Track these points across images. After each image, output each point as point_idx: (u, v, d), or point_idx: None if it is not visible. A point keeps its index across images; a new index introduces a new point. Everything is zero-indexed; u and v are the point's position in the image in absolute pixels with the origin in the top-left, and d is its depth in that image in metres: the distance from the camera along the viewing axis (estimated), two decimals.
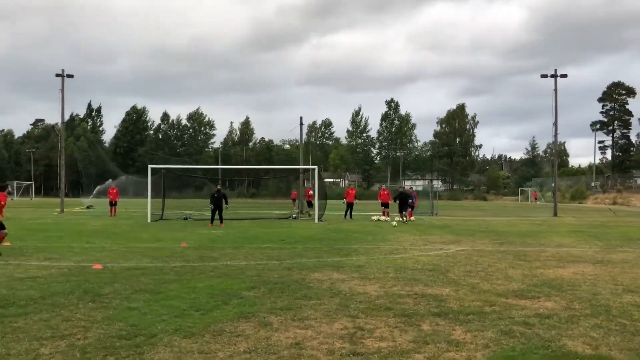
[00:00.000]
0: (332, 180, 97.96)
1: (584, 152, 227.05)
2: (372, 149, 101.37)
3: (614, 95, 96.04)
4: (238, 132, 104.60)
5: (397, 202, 24.69)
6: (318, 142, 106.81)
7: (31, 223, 23.30)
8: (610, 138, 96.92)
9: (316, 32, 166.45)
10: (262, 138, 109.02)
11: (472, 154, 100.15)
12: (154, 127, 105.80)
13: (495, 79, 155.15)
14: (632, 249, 14.02)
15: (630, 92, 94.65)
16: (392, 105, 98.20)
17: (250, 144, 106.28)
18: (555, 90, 32.74)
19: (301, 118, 34.79)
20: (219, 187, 23.76)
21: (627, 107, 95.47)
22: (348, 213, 27.29)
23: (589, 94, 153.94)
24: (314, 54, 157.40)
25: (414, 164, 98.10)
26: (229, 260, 11.49)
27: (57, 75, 33.72)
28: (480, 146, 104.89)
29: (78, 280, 8.91)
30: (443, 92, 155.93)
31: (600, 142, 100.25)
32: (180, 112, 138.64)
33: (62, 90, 33.65)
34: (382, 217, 25.95)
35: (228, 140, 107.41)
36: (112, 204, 29.99)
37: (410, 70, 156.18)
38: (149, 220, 24.46)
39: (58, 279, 9.04)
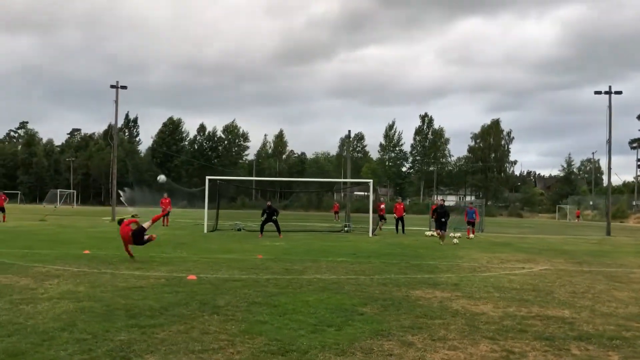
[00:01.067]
0: (363, 193, 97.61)
1: (619, 170, 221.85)
2: (404, 162, 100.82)
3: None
4: (272, 144, 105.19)
5: (434, 217, 23.21)
6: (352, 156, 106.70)
7: (93, 231, 23.68)
8: None
9: (345, 46, 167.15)
10: (292, 150, 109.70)
11: (507, 170, 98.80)
12: (188, 139, 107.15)
13: (525, 95, 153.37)
14: None
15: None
16: (426, 119, 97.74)
17: (284, 156, 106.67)
18: (610, 107, 32.19)
19: (349, 132, 34.81)
20: (269, 202, 23.92)
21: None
22: (400, 228, 27.08)
23: (623, 111, 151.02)
24: (342, 67, 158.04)
25: (447, 179, 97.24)
26: (316, 273, 11.43)
27: (112, 86, 34.45)
28: (515, 162, 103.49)
29: (185, 291, 8.94)
30: (472, 107, 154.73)
31: (638, 159, 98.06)
32: (214, 123, 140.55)
33: (117, 101, 34.36)
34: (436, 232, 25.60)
35: (261, 152, 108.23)
36: (165, 214, 30.21)
37: (439, 84, 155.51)
38: (205, 231, 24.64)
39: (164, 289, 9.09)
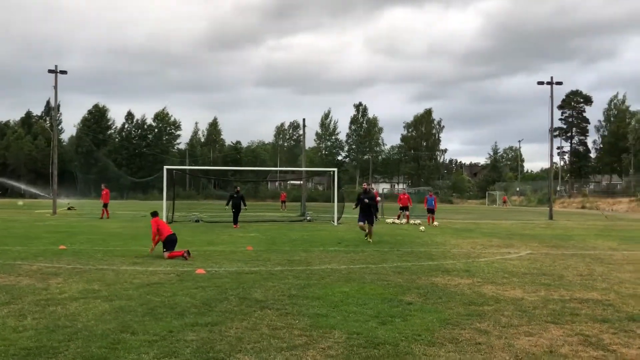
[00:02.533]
0: (299, 182, 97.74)
1: (541, 157, 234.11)
2: (340, 151, 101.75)
3: (572, 103, 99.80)
4: (205, 133, 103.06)
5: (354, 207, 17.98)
6: (286, 145, 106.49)
7: (47, 225, 22.32)
8: (568, 144, 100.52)
9: (274, 33, 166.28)
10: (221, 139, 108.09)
11: (438, 158, 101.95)
12: (114, 127, 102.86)
13: (448, 85, 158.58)
14: None
15: (587, 100, 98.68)
16: (361, 108, 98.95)
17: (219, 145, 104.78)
18: (552, 97, 33.83)
19: (304, 120, 34.52)
20: (238, 188, 23.43)
21: (584, 114, 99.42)
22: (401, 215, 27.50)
23: (538, 102, 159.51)
24: (271, 54, 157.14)
25: (381, 168, 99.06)
26: (323, 264, 11.30)
27: (50, 71, 32.29)
28: (445, 150, 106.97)
29: (209, 285, 8.59)
30: (398, 96, 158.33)
31: (558, 147, 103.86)
32: (143, 111, 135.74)
33: (56, 87, 32.25)
34: (397, 221, 26.10)
35: (193, 141, 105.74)
36: (105, 205, 28.85)
37: (367, 74, 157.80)
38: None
39: (185, 284, 8.69)
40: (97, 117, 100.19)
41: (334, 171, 27.27)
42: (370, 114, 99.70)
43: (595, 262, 12.27)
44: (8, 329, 5.91)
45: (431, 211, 25.71)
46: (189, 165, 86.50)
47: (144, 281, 9.02)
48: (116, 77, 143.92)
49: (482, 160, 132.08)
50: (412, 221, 26.63)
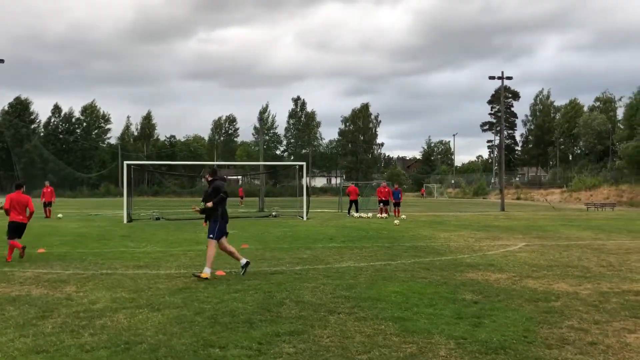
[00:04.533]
0: (238, 177, 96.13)
1: (471, 150, 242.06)
2: (278, 145, 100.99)
3: (501, 98, 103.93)
4: (138, 127, 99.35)
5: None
6: (222, 138, 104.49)
7: None
8: (497, 137, 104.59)
9: (205, 25, 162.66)
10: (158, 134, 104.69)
11: (375, 151, 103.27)
12: (38, 120, 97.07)
13: (379, 80, 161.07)
14: None
15: (515, 95, 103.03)
16: (299, 102, 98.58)
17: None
18: (502, 91, 34.77)
19: (260, 112, 33.63)
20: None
21: (512, 109, 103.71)
22: (352, 209, 27.25)
23: (465, 97, 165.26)
24: (201, 47, 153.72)
25: (320, 162, 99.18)
26: (338, 262, 10.87)
27: None
28: (382, 144, 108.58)
29: (247, 288, 7.96)
30: (330, 91, 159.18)
31: (489, 141, 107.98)
32: (70, 104, 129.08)
33: None
34: (379, 215, 25.95)
35: (125, 135, 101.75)
36: (47, 204, 26.82)
37: (299, 68, 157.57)
38: (125, 221, 22.49)
39: (221, 288, 8.01)
40: (19, 111, 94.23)
41: (301, 165, 26.69)
42: (308, 108, 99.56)
43: (597, 252, 12.51)
44: (74, 349, 5.11)
45: (397, 204, 25.71)
46: (122, 160, 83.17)
47: (170, 286, 8.27)
48: (37, 70, 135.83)
49: (411, 154, 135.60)
50: (364, 214, 26.50)
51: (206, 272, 8.85)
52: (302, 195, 25.11)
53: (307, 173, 25.67)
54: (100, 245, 13.98)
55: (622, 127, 71.56)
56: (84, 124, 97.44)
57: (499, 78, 35.49)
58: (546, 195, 59.85)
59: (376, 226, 20.44)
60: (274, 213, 26.79)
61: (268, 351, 5.09)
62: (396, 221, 21.81)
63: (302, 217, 24.35)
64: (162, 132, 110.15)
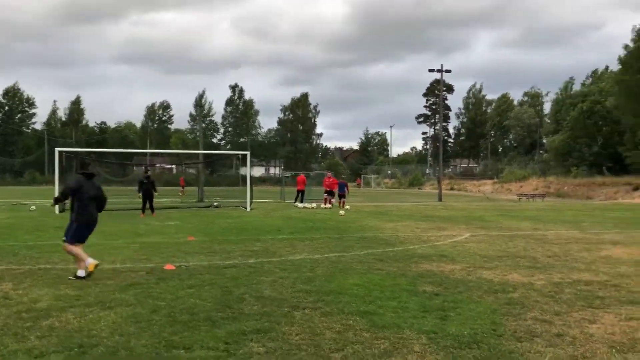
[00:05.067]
0: (172, 166, 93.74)
1: (406, 142, 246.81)
2: (215, 133, 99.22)
3: (436, 91, 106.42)
4: (67, 112, 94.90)
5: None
6: (156, 126, 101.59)
7: None
8: (432, 129, 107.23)
9: (137, 8, 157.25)
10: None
11: (314, 142, 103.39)
12: None
13: (316, 70, 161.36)
14: (607, 230, 16.01)
15: (449, 88, 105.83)
16: (237, 90, 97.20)
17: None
18: (441, 84, 35.46)
19: (197, 99, 32.68)
20: (149, 172, 21.60)
21: (446, 102, 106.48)
22: (298, 199, 27.25)
23: (399, 89, 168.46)
24: (133, 30, 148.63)
25: (258, 151, 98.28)
26: (291, 254, 10.66)
27: None
28: (321, 134, 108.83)
29: (201, 283, 7.62)
30: (267, 80, 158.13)
31: (423, 133, 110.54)
32: None
33: None
34: (323, 205, 25.83)
35: (52, 121, 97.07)
36: None
37: (235, 55, 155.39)
38: (57, 212, 21.31)
39: (173, 283, 7.63)
40: None
41: (245, 154, 26.20)
42: (246, 96, 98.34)
43: (540, 242, 12.91)
44: (21, 355, 4.66)
45: (342, 196, 25.74)
46: (48, 146, 79.21)
47: (118, 282, 7.79)
48: None
49: (348, 145, 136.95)
50: (307, 205, 26.45)
51: (90, 263, 7.86)
52: (244, 185, 24.67)
53: (249, 163, 25.22)
54: (33, 237, 13.12)
55: (548, 121, 75.01)
56: (6, 107, 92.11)
57: (438, 71, 36.20)
58: (479, 187, 61.92)
59: (322, 217, 20.35)
60: (215, 203, 26.21)
61: (236, 351, 4.82)
62: (341, 212, 21.82)
63: (246, 208, 23.93)
64: (91, 118, 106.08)
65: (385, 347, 4.99)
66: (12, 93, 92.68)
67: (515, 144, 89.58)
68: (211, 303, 6.54)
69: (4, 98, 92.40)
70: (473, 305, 6.58)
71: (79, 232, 8.30)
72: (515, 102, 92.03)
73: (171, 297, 6.84)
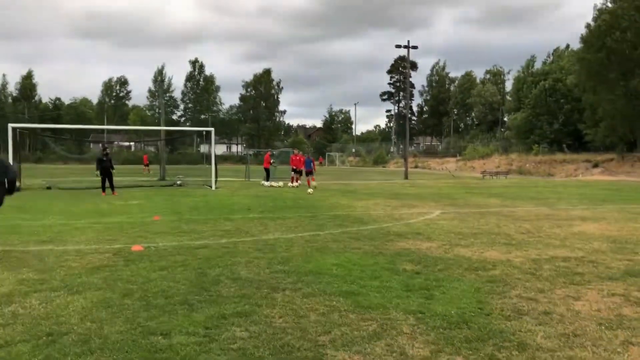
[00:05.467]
0: (130, 143, 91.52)
1: (371, 120, 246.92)
2: (174, 110, 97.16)
3: (400, 68, 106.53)
4: (18, 87, 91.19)
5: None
6: (113, 102, 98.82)
7: None
8: (396, 107, 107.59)
9: None
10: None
11: (277, 119, 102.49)
12: None
13: (278, 46, 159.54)
14: (573, 206, 16.26)
15: (413, 65, 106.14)
16: (197, 65, 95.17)
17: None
18: (408, 61, 35.31)
19: (159, 72, 31.67)
20: (107, 150, 20.82)
21: (407, 79, 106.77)
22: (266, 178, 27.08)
23: (362, 66, 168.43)
24: (88, 3, 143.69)
25: (220, 128, 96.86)
26: (264, 234, 10.40)
27: None
28: (284, 112, 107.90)
29: (173, 264, 7.30)
30: (228, 55, 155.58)
31: (387, 110, 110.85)
32: None
33: None
34: (290, 184, 25.53)
35: (1, 96, 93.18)
36: None
37: (195, 30, 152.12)
38: None
39: (144, 265, 7.28)
40: None
41: (210, 131, 25.59)
42: (206, 72, 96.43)
43: (511, 219, 12.96)
44: None
45: (310, 173, 25.48)
46: (15, 124, 76.12)
47: (83, 264, 7.40)
48: None
49: (311, 122, 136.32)
50: (274, 183, 26.26)
51: None
52: (205, 163, 24.14)
53: (213, 140, 24.68)
54: None
55: (510, 99, 76.12)
56: None
57: (405, 47, 36.02)
58: (442, 164, 62.61)
59: (291, 195, 20.09)
60: (178, 182, 25.60)
61: (218, 336, 4.56)
62: (309, 190, 21.57)
63: (211, 187, 23.44)
64: (44, 94, 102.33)
65: (374, 328, 4.81)
66: None
67: (477, 122, 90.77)
68: (186, 285, 6.24)
69: None
70: (456, 283, 6.46)
71: None
72: (478, 80, 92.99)
73: (143, 279, 6.50)
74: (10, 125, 21.21)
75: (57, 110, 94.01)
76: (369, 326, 4.87)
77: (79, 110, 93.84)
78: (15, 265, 7.28)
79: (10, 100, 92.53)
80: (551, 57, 72.48)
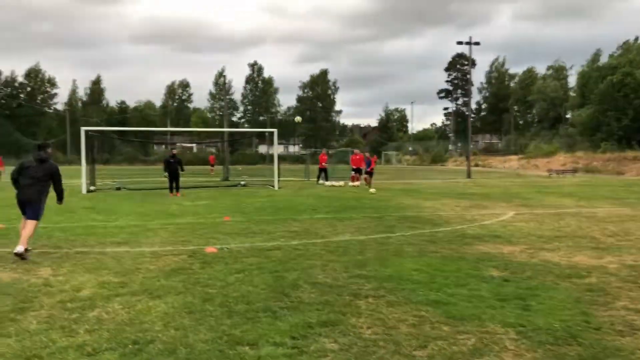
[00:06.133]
0: (192, 145, 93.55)
1: (427, 118, 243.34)
2: (234, 112, 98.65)
3: (457, 65, 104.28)
4: (88, 92, 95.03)
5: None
6: (176, 104, 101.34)
7: None
8: (454, 105, 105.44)
9: None
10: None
11: (333, 119, 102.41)
12: None
13: (333, 46, 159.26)
14: None
15: (472, 62, 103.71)
16: (256, 67, 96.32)
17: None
18: (470, 57, 34.39)
19: (216, 77, 32.08)
20: (174, 151, 21.17)
21: (468, 76, 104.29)
22: (321, 178, 26.96)
23: (418, 64, 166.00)
24: (151, 10, 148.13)
25: (278, 129, 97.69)
26: (334, 235, 10.14)
27: None
28: (341, 112, 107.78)
29: (249, 268, 7.14)
30: (283, 57, 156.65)
31: (445, 108, 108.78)
32: (10, 68, 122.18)
33: None
34: (351, 183, 25.33)
35: (72, 101, 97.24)
36: None
37: (252, 33, 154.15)
38: (83, 191, 21.06)
39: (219, 268, 7.15)
40: None
41: (273, 132, 25.64)
42: (265, 74, 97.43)
43: (592, 220, 12.23)
44: (73, 352, 4.21)
45: (369, 173, 25.09)
46: (70, 126, 79.50)
47: (161, 266, 7.35)
48: None
49: (365, 122, 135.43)
50: (335, 183, 26.11)
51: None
52: (264, 163, 24.18)
53: (276, 140, 24.73)
54: (65, 218, 12.75)
55: (574, 94, 73.02)
56: (28, 88, 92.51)
57: (467, 43, 35.04)
58: (504, 162, 60.75)
59: (353, 195, 19.80)
60: (242, 182, 25.78)
61: (307, 348, 4.32)
62: (371, 190, 21.19)
63: (273, 187, 23.46)
64: (111, 98, 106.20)
65: (473, 343, 4.45)
66: (34, 74, 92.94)
67: (538, 119, 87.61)
68: (265, 290, 6.06)
69: (26, 79, 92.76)
70: (552, 292, 6.00)
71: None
72: (540, 76, 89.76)
73: (221, 283, 6.37)
74: (83, 129, 21.90)
75: (123, 114, 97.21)
76: (467, 340, 4.51)
77: (143, 112, 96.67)
78: (94, 267, 7.32)
79: (80, 104, 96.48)
80: (619, 50, 68.97)
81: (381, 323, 4.94)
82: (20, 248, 7.68)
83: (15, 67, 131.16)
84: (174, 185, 19.92)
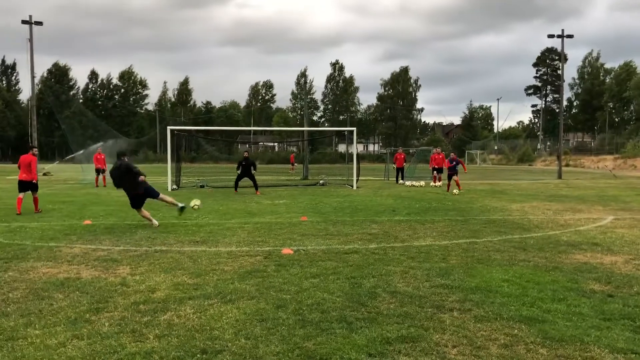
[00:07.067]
0: (274, 144, 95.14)
1: (515, 114, 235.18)
2: (315, 111, 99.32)
3: (547, 61, 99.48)
4: (175, 93, 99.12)
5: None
6: (259, 104, 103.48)
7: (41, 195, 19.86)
8: (543, 102, 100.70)
9: None
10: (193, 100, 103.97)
11: (415, 117, 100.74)
12: (77, 87, 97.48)
13: (417, 44, 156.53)
14: None
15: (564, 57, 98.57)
16: (337, 66, 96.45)
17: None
18: (562, 51, 32.43)
19: (299, 77, 32.21)
20: (246, 153, 21.40)
21: (558, 72, 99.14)
22: (400, 177, 26.63)
23: (503, 60, 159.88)
24: (238, 13, 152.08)
25: (358, 128, 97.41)
26: (414, 240, 9.64)
27: (24, 22, 28.95)
28: (422, 110, 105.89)
29: (323, 272, 6.83)
30: (366, 55, 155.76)
31: (533, 105, 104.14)
32: (107, 70, 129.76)
33: (31, 40, 29.02)
34: (433, 183, 24.69)
35: (162, 102, 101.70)
36: (100, 171, 25.57)
37: (335, 33, 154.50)
38: (169, 189, 21.69)
39: (293, 271, 6.88)
40: (58, 77, 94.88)
41: (352, 130, 25.39)
42: (346, 73, 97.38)
43: None
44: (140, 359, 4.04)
45: (453, 174, 24.13)
46: (158, 126, 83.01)
47: (236, 268, 7.20)
48: (74, 37, 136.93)
49: (447, 120, 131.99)
50: (415, 182, 25.51)
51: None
52: (343, 162, 23.90)
53: (355, 140, 24.40)
54: (163, 218, 13.03)
55: None
56: (122, 90, 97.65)
57: (559, 36, 32.99)
58: (597, 162, 57.16)
59: (434, 196, 19.09)
60: (321, 181, 25.67)
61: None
62: (455, 191, 20.34)
63: (352, 186, 23.15)
64: (198, 98, 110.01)
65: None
66: (127, 76, 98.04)
67: (636, 116, 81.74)
68: (341, 298, 5.72)
69: (120, 81, 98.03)
70: None
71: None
72: (638, 70, 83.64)
73: (295, 288, 6.10)
74: (169, 128, 22.56)
75: (208, 114, 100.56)
76: None
77: (228, 112, 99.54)
78: (171, 267, 7.29)
79: (169, 105, 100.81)
80: None
81: (468, 342, 4.47)
82: (180, 204, 11.75)
83: (111, 69, 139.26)
84: (253, 183, 20.30)
